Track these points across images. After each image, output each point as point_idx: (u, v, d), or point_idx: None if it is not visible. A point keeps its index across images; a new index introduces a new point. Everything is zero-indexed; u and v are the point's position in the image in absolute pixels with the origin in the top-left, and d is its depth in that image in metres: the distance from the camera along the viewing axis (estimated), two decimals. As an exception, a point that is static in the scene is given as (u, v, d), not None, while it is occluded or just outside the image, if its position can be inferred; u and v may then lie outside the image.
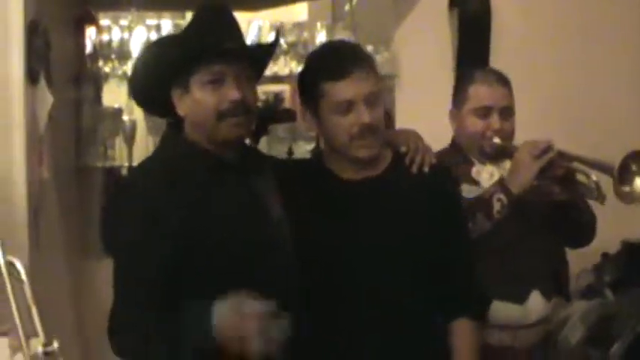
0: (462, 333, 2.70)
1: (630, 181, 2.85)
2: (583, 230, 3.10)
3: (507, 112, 3.05)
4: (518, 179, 2.90)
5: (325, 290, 2.61)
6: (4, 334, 2.44)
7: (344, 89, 2.55)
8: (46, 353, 2.19)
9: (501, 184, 2.92)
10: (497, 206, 2.89)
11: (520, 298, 3.01)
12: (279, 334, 2.28)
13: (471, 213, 2.90)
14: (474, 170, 3.05)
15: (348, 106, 2.56)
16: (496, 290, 2.96)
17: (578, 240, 3.16)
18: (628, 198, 2.86)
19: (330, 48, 2.89)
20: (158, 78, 2.47)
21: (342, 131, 2.58)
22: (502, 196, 2.89)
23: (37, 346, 2.20)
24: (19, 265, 2.39)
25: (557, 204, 2.99)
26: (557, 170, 2.91)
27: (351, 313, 2.61)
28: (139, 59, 2.64)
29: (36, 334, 2.29)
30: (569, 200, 2.97)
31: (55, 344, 2.18)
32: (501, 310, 2.99)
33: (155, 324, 2.35)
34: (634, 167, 2.85)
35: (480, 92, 3.06)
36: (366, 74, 2.59)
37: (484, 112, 3.04)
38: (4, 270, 2.29)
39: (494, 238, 2.93)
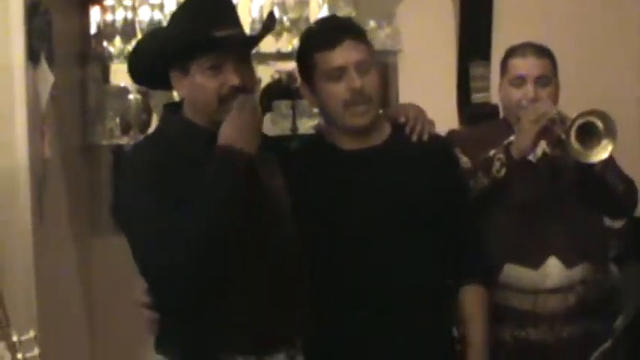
0: (474, 299, 2.78)
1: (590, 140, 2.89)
2: (619, 200, 3.12)
3: (543, 81, 3.11)
4: (518, 143, 2.98)
5: (335, 262, 2.66)
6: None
7: (335, 57, 2.63)
8: (20, 342, 2.19)
9: (505, 146, 2.99)
10: (496, 165, 2.97)
11: (535, 263, 3.05)
12: None
13: (473, 171, 3.01)
14: (511, 139, 3.07)
15: (340, 74, 2.63)
16: (511, 254, 3.04)
17: (613, 209, 3.24)
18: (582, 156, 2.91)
19: (321, 22, 3.03)
20: (157, 66, 2.51)
21: (335, 99, 2.64)
22: (502, 156, 2.97)
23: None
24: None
25: (580, 171, 3.03)
26: (555, 135, 2.96)
27: (364, 285, 2.65)
28: (136, 49, 2.68)
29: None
30: (582, 164, 3.00)
31: (31, 333, 2.18)
32: (517, 274, 3.05)
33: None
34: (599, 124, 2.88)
35: (515, 63, 3.16)
36: (356, 43, 2.66)
37: (519, 81, 3.12)
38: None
39: (505, 202, 3.03)
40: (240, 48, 2.51)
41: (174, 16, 2.61)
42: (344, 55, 2.62)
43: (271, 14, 2.81)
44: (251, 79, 2.54)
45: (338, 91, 2.63)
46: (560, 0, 4.52)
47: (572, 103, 3.09)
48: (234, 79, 2.45)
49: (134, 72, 2.61)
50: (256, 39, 2.68)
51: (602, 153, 2.88)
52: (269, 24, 2.71)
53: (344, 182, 2.70)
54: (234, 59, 2.46)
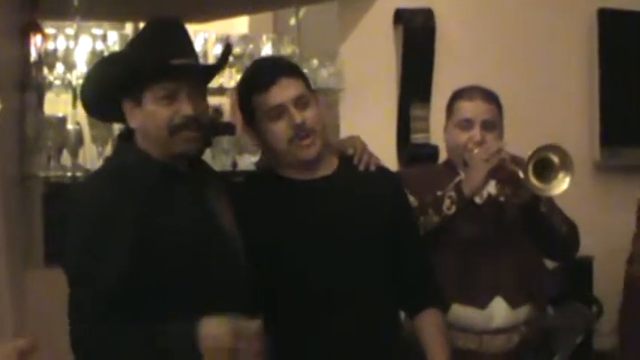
0: (434, 321, 2.76)
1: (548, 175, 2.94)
2: (562, 241, 3.17)
3: (489, 125, 3.15)
4: (470, 181, 3.01)
5: (290, 294, 2.65)
6: None
7: (271, 97, 2.63)
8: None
9: (455, 184, 3.03)
10: (447, 203, 3.00)
11: (481, 304, 3.09)
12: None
13: (424, 208, 3.03)
14: (459, 178, 3.11)
15: (279, 112, 2.63)
16: (458, 294, 3.06)
17: (556, 251, 3.26)
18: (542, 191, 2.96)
19: (255, 64, 2.95)
20: (109, 93, 2.46)
21: (278, 137, 2.65)
22: (452, 194, 3.00)
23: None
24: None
25: (525, 212, 3.08)
26: (507, 173, 3.00)
27: (319, 316, 2.64)
28: (89, 73, 2.62)
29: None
30: (528, 205, 3.05)
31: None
32: (463, 314, 3.08)
33: (123, 337, 2.33)
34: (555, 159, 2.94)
35: (462, 106, 3.18)
36: (290, 80, 2.66)
37: (465, 124, 3.15)
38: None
39: (451, 241, 3.06)
40: (196, 79, 2.49)
41: (131, 44, 2.58)
42: (280, 93, 2.63)
43: (228, 46, 2.81)
44: (205, 112, 2.51)
45: (280, 129, 2.64)
46: (499, 44, 4.62)
47: (511, 147, 3.15)
48: (187, 109, 2.41)
49: (86, 100, 2.56)
50: (215, 69, 2.68)
51: (561, 186, 2.94)
52: (226, 56, 2.71)
53: (295, 212, 2.70)
54: (189, 89, 2.44)
